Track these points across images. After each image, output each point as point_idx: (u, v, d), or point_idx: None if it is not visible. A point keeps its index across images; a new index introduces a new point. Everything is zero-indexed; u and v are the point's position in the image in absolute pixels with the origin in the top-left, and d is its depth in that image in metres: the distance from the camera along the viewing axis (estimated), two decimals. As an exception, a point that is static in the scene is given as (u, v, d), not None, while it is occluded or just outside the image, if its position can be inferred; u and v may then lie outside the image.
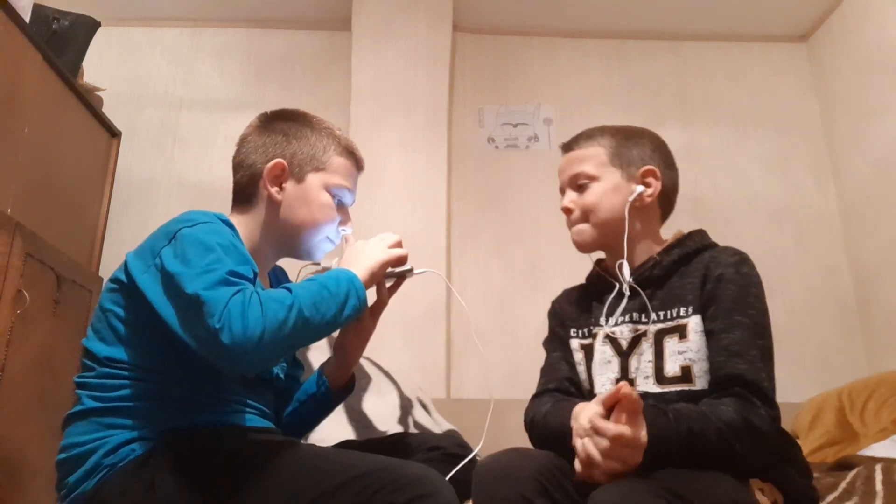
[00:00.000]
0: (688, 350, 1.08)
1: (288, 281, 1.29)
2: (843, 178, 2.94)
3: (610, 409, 0.95)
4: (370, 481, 0.83)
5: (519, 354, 2.69)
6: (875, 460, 1.60)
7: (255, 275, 1.01)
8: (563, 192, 1.27)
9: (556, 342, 1.27)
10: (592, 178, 1.21)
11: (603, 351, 1.17)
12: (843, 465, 1.69)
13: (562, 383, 1.19)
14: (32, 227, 1.88)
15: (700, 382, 1.07)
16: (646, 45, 3.19)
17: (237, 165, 1.17)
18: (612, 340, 1.17)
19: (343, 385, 1.23)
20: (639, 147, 1.22)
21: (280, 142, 1.15)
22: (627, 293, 1.15)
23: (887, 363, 2.58)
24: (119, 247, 2.52)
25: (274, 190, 1.12)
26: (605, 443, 0.92)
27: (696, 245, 1.17)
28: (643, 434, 0.92)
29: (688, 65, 3.17)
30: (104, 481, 0.94)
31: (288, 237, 1.15)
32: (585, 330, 1.22)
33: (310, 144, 1.15)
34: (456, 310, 2.72)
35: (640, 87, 3.10)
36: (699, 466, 0.93)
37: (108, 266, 2.38)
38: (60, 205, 2.18)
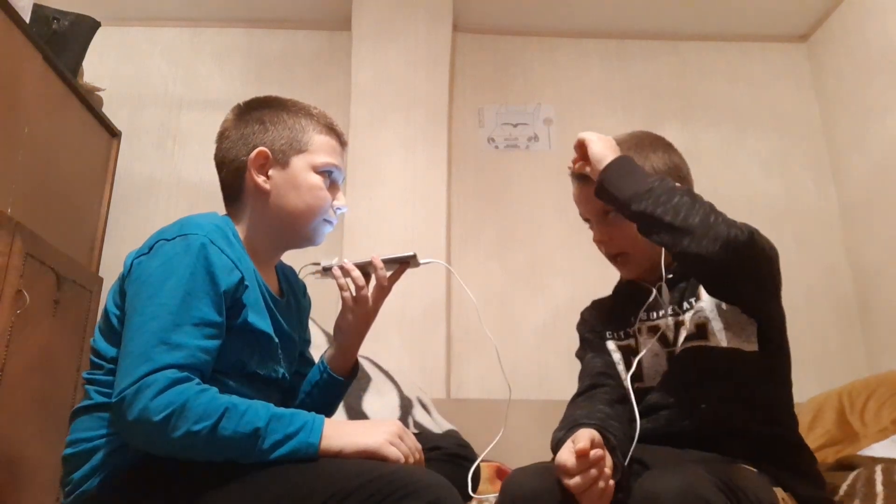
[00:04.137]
0: (701, 309, 1.11)
1: (297, 280, 1.27)
2: (843, 178, 2.94)
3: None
4: (380, 486, 0.83)
5: (519, 354, 2.69)
6: (875, 461, 1.60)
7: (240, 281, 1.01)
8: (585, 219, 1.25)
9: (588, 347, 1.28)
10: None
11: (650, 344, 1.18)
12: (844, 466, 1.69)
13: (596, 378, 1.20)
14: (32, 227, 1.88)
15: (714, 339, 1.10)
16: (646, 45, 3.19)
17: (220, 163, 1.15)
18: (657, 334, 1.18)
19: (346, 371, 1.22)
20: (654, 157, 1.23)
21: (258, 130, 1.12)
22: (666, 315, 1.18)
23: (887, 363, 2.58)
24: (119, 247, 2.55)
25: (261, 179, 1.10)
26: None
27: None
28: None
29: (688, 65, 3.17)
30: (109, 480, 0.94)
31: (283, 226, 1.13)
32: (622, 332, 1.23)
33: (288, 128, 1.13)
34: (456, 309, 2.72)
35: (640, 87, 3.10)
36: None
37: (108, 266, 2.40)
38: (60, 205, 2.18)
